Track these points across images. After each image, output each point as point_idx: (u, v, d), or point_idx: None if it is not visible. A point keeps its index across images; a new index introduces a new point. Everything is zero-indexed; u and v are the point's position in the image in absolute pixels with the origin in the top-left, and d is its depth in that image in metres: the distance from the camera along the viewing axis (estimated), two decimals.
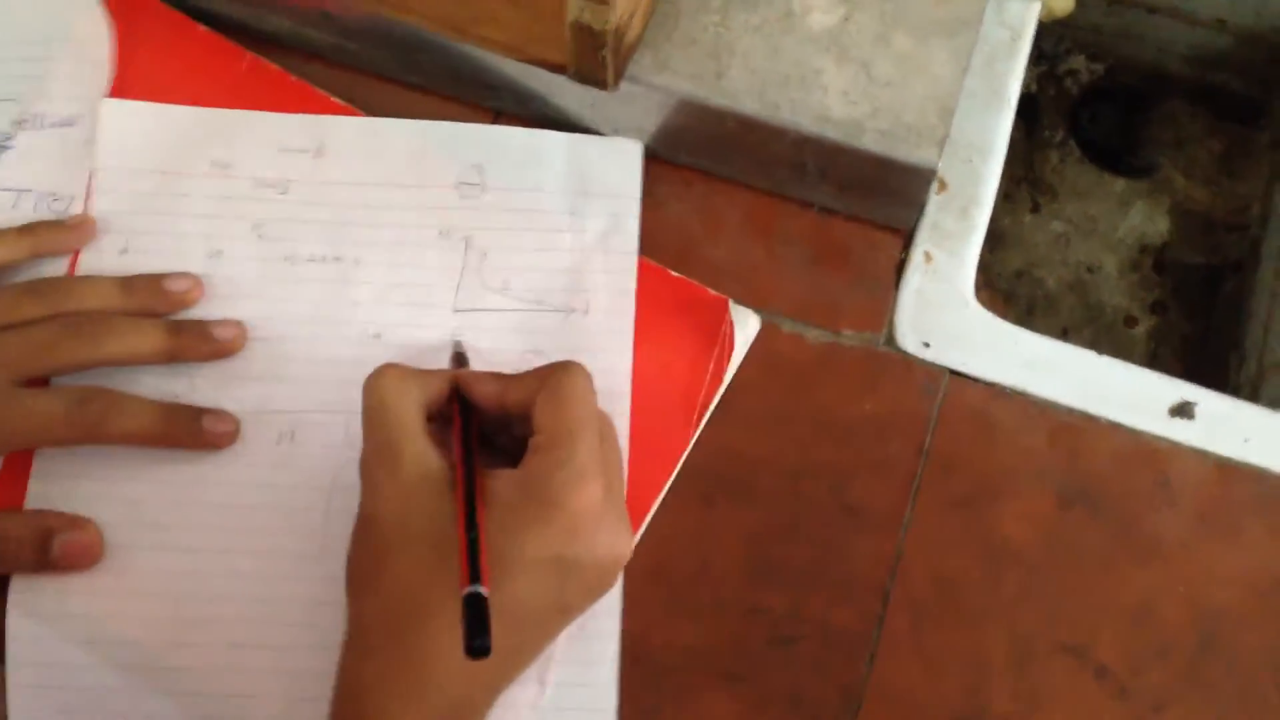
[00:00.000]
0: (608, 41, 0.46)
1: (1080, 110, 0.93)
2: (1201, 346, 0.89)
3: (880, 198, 0.53)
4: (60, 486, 0.50)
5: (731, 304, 0.53)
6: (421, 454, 0.45)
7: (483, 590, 0.40)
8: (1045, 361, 0.54)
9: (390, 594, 0.43)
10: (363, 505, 0.46)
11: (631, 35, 0.49)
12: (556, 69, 0.49)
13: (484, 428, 0.48)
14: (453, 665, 0.42)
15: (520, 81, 0.54)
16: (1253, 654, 0.50)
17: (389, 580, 0.44)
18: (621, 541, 0.45)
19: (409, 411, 0.46)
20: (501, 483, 0.44)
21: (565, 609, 0.45)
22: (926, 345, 0.53)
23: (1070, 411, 0.53)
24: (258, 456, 0.51)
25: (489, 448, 0.49)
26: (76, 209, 0.54)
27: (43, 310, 0.51)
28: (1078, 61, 0.92)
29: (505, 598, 0.42)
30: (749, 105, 0.51)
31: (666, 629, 0.50)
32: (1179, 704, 0.50)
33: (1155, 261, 0.91)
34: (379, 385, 0.46)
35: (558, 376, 0.46)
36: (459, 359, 0.51)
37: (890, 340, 0.54)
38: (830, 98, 0.51)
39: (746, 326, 0.53)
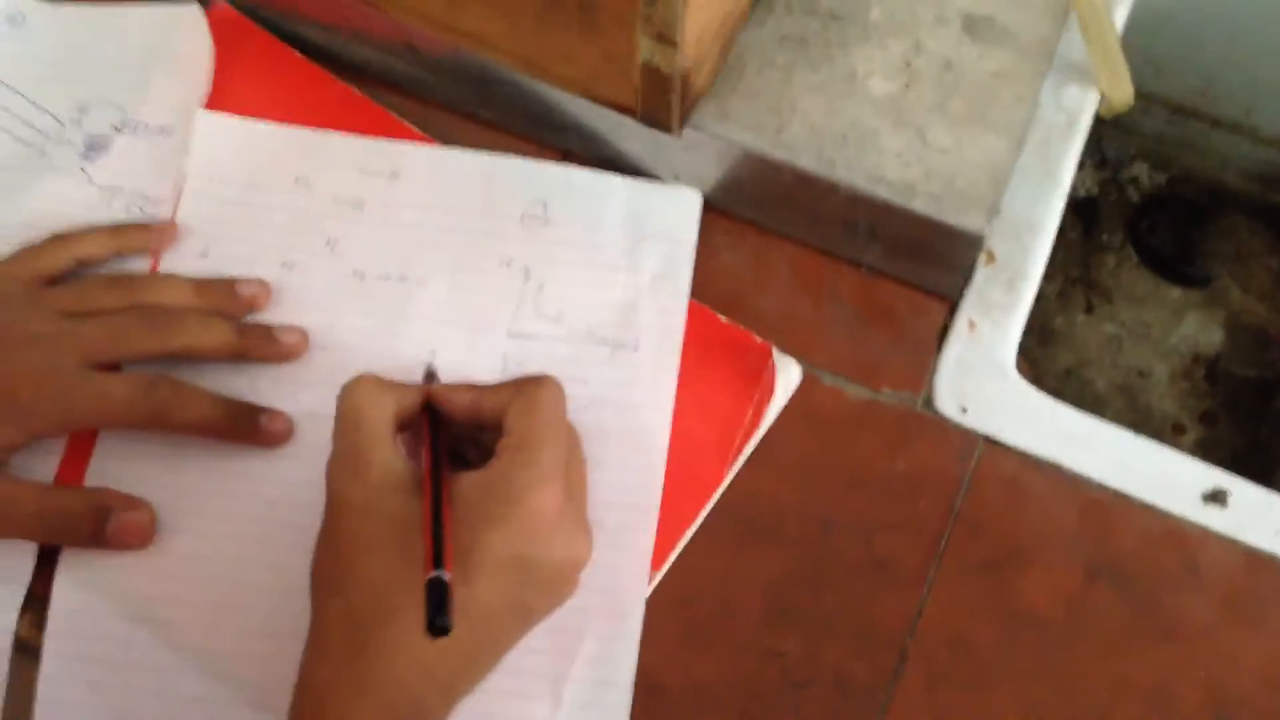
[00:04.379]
0: (675, 85, 0.48)
1: (1140, 217, 0.94)
2: (1248, 459, 0.89)
3: (928, 262, 0.55)
4: (120, 468, 0.52)
5: (775, 351, 0.55)
6: (389, 461, 0.46)
7: (445, 575, 0.41)
8: (1081, 437, 0.54)
9: (354, 594, 0.44)
10: (328, 510, 0.46)
11: (698, 83, 0.51)
12: (625, 111, 0.52)
13: (452, 443, 0.49)
14: (410, 663, 0.43)
15: (589, 124, 0.57)
16: None
17: (353, 581, 0.44)
18: (578, 544, 0.46)
19: (382, 420, 0.47)
20: (466, 483, 0.45)
21: (525, 611, 0.46)
22: (964, 410, 0.54)
23: (1103, 488, 0.53)
24: (308, 458, 0.52)
25: (457, 462, 0.50)
26: (165, 211, 0.57)
27: (121, 302, 0.53)
28: (1140, 169, 0.93)
29: (466, 596, 0.43)
30: (806, 160, 0.53)
31: (682, 663, 0.51)
32: None
33: (1207, 372, 0.91)
34: (355, 393, 0.48)
35: (532, 386, 0.47)
36: (430, 377, 0.53)
37: (928, 403, 0.55)
38: (885, 159, 0.52)
39: (788, 375, 0.55)
